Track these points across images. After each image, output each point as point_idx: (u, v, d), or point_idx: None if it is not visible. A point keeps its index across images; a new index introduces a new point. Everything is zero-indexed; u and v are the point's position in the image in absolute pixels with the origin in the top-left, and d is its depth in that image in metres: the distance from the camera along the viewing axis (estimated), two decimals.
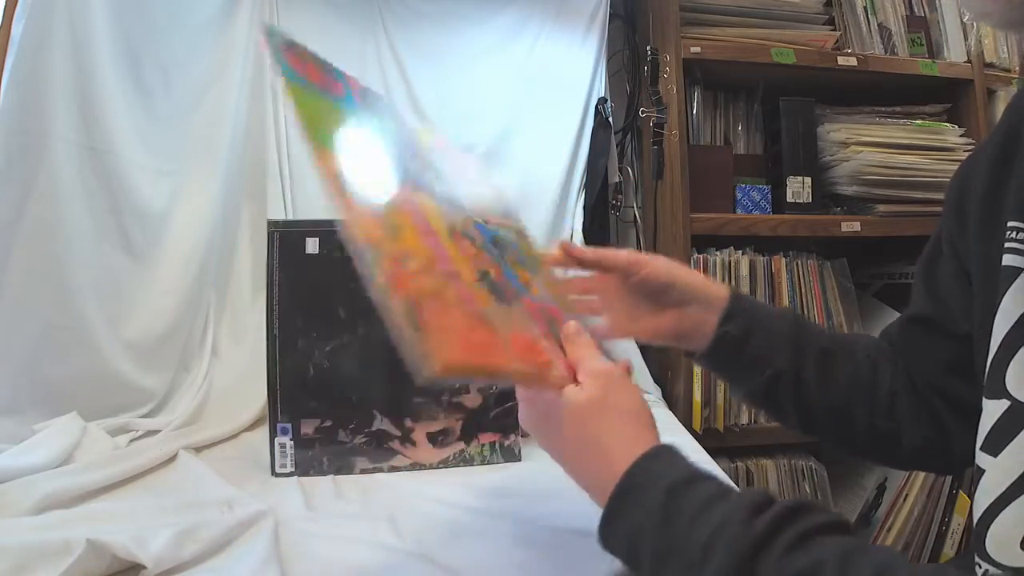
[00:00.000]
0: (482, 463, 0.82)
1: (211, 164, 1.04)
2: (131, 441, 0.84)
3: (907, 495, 1.21)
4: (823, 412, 0.57)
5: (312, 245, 0.80)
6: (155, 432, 0.87)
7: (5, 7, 0.81)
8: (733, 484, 0.40)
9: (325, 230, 0.81)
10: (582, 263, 0.60)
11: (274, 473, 0.77)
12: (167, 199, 0.99)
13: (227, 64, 1.06)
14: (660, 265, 0.58)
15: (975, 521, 0.43)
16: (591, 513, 0.68)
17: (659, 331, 0.59)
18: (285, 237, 0.80)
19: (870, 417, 0.56)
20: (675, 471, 0.41)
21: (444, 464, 0.81)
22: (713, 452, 0.88)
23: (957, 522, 1.22)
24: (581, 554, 0.59)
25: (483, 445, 0.82)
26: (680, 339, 0.59)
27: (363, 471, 0.78)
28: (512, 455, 0.83)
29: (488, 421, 0.82)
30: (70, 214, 0.83)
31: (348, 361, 0.79)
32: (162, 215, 0.98)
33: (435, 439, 0.81)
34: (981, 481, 0.43)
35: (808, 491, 1.17)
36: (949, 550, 1.21)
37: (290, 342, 0.78)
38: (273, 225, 0.81)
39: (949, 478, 1.23)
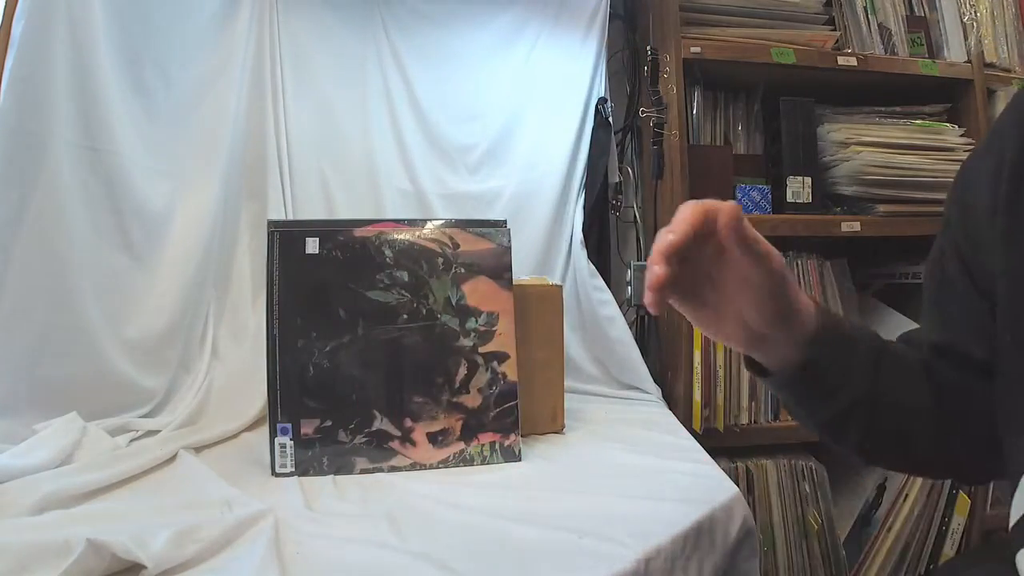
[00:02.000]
0: (482, 463, 0.82)
1: (211, 164, 1.04)
2: (131, 441, 0.84)
3: (907, 495, 1.20)
4: (887, 438, 0.53)
5: (312, 245, 0.80)
6: (155, 432, 0.87)
7: (5, 7, 0.80)
8: None
9: (325, 230, 0.82)
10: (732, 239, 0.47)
11: (274, 473, 0.77)
12: (167, 199, 0.99)
13: (227, 64, 1.06)
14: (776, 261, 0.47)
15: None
16: (591, 513, 0.68)
17: (736, 337, 0.51)
18: (285, 237, 0.80)
19: (935, 444, 0.52)
20: None
21: (444, 464, 0.81)
22: (713, 452, 0.88)
23: (957, 522, 1.22)
24: (581, 554, 0.59)
25: (483, 445, 0.82)
26: (754, 347, 0.51)
27: (363, 471, 0.78)
28: (512, 455, 0.83)
29: (488, 421, 0.82)
30: (70, 214, 0.83)
31: (348, 361, 0.79)
32: (162, 215, 0.98)
33: (435, 439, 0.81)
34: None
35: (808, 491, 1.17)
36: (949, 550, 1.21)
37: (290, 342, 0.78)
38: (273, 225, 0.81)
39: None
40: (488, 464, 0.82)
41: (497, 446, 0.82)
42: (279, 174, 1.12)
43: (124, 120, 0.91)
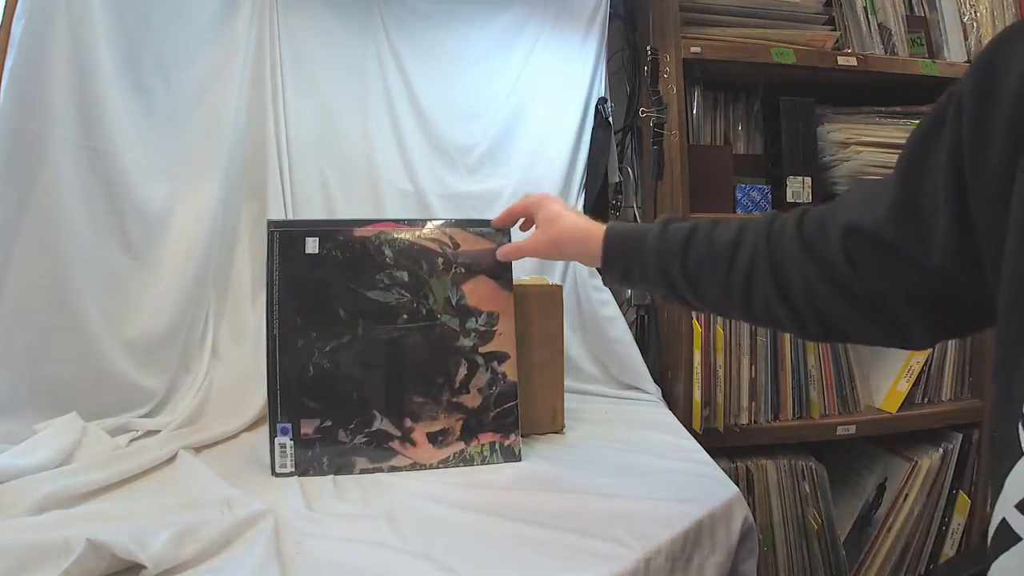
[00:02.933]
0: (482, 463, 0.82)
1: (211, 164, 1.04)
2: (131, 441, 0.84)
3: (907, 495, 1.20)
4: (712, 309, 0.68)
5: (312, 245, 0.80)
6: (155, 432, 0.87)
7: (5, 7, 0.80)
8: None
9: (325, 230, 0.82)
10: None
11: (274, 473, 0.77)
12: (167, 199, 0.99)
13: (227, 64, 1.06)
14: (552, 204, 0.78)
15: None
16: (591, 513, 0.68)
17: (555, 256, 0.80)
18: (285, 237, 0.80)
19: (759, 318, 0.59)
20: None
21: (444, 464, 0.81)
22: (713, 452, 0.88)
23: (957, 522, 1.22)
24: (581, 554, 0.59)
25: (483, 445, 0.82)
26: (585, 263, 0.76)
27: (363, 471, 0.78)
28: (512, 455, 0.83)
29: (488, 421, 0.82)
30: (70, 214, 0.83)
31: (348, 361, 0.79)
32: (162, 215, 0.98)
33: (435, 439, 0.81)
34: (1014, 548, 0.35)
35: (808, 491, 1.17)
36: (949, 550, 1.22)
37: (290, 342, 0.78)
38: (273, 225, 0.81)
39: (949, 478, 1.23)
40: (488, 464, 0.82)
41: (497, 446, 0.82)
42: (279, 174, 1.12)
43: (124, 120, 0.91)
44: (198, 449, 0.84)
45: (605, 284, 0.77)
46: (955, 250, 0.41)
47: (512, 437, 0.83)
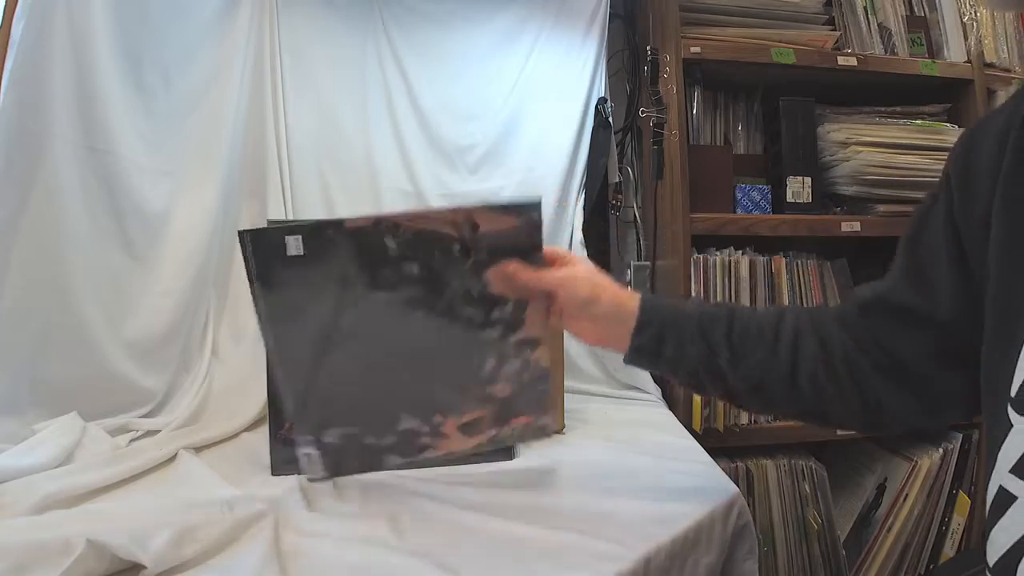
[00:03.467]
0: (518, 442, 0.81)
1: (211, 164, 1.04)
2: (131, 441, 0.84)
3: (907, 495, 1.20)
4: (745, 391, 0.61)
5: (295, 246, 0.71)
6: (155, 432, 0.87)
7: (5, 7, 0.80)
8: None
9: (308, 227, 0.77)
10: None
11: (310, 479, 0.74)
12: (167, 199, 0.99)
13: (227, 64, 1.06)
14: (582, 285, 0.64)
15: (998, 552, 0.40)
16: (591, 513, 0.68)
17: (596, 340, 0.67)
18: (260, 242, 0.75)
19: (791, 399, 0.59)
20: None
21: (478, 450, 0.75)
22: (713, 452, 0.88)
23: (957, 522, 1.22)
24: (581, 554, 0.59)
25: (515, 428, 0.76)
26: (612, 347, 0.65)
27: (397, 467, 0.75)
28: (545, 433, 0.80)
29: (520, 406, 0.75)
30: (70, 214, 0.84)
31: (359, 368, 0.74)
32: (162, 215, 0.98)
33: (466, 429, 0.76)
34: (1010, 509, 0.40)
35: (808, 491, 1.17)
36: (949, 550, 1.21)
37: (290, 355, 0.75)
38: (273, 225, 0.80)
39: (949, 478, 1.23)
40: (524, 442, 0.81)
41: (531, 427, 0.76)
42: (279, 174, 1.12)
43: (124, 120, 0.91)
44: (198, 449, 0.84)
45: (626, 361, 0.66)
46: (960, 297, 0.49)
47: (546, 418, 0.77)
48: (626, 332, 0.62)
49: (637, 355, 0.63)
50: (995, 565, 0.40)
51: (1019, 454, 0.39)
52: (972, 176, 0.48)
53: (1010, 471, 0.40)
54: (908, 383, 0.54)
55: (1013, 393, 0.40)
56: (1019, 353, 0.40)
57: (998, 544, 0.40)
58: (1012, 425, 0.40)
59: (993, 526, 0.41)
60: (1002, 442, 0.41)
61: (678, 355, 0.61)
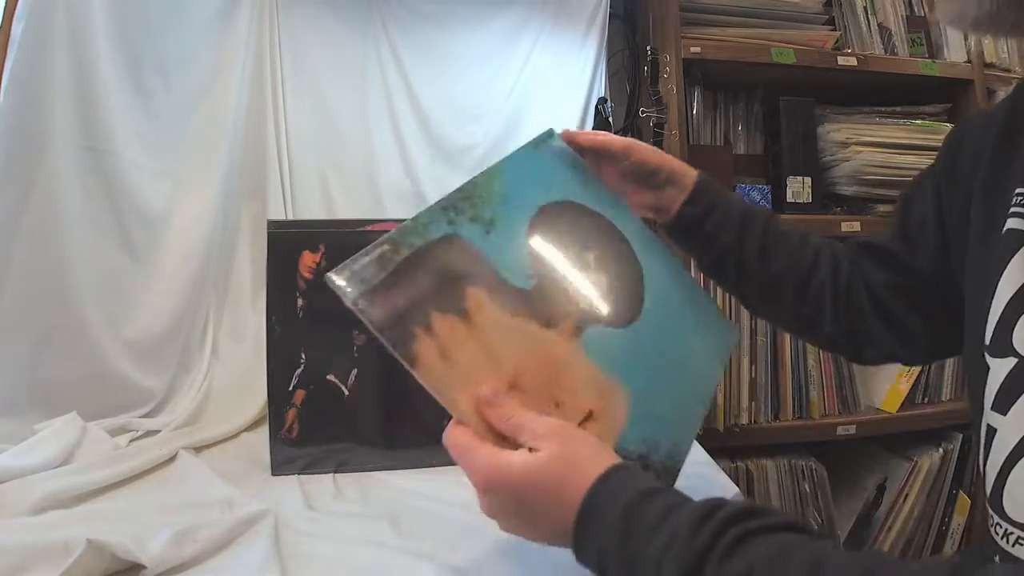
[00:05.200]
0: None
1: (211, 164, 1.04)
2: (131, 441, 0.84)
3: (907, 495, 1.21)
4: (758, 287, 0.65)
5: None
6: (155, 432, 0.87)
7: (5, 7, 0.81)
8: (687, 496, 0.39)
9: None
10: (583, 149, 0.64)
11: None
12: (167, 199, 0.99)
13: (227, 64, 1.06)
14: (649, 151, 0.65)
15: (990, 483, 0.44)
16: None
17: (641, 205, 0.67)
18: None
19: (796, 302, 0.64)
20: (630, 489, 0.39)
21: None
22: (713, 452, 0.88)
23: (957, 522, 1.22)
24: None
25: None
26: (657, 213, 0.67)
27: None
28: None
29: None
30: (70, 214, 0.83)
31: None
32: (162, 215, 0.98)
33: None
34: (994, 441, 0.44)
35: (808, 491, 1.17)
36: (949, 550, 1.22)
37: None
38: (273, 225, 0.80)
39: (949, 478, 1.23)
40: None
41: None
42: (279, 174, 1.12)
43: (124, 120, 0.91)
44: (198, 449, 0.84)
45: (667, 228, 0.68)
46: (936, 260, 0.56)
47: None
48: (679, 198, 0.64)
49: (678, 222, 0.65)
50: (991, 495, 0.45)
51: (995, 391, 0.45)
52: (959, 165, 0.54)
53: (991, 408, 0.45)
54: (884, 316, 0.61)
55: (987, 340, 0.46)
56: (991, 306, 0.46)
57: (990, 476, 0.45)
58: (989, 368, 0.45)
59: (986, 462, 0.46)
60: (984, 386, 0.46)
61: (714, 234, 0.64)
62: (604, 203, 0.60)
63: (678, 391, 0.59)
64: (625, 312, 0.56)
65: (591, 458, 0.41)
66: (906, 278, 0.59)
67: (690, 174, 0.65)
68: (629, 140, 0.65)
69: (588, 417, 0.49)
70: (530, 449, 0.41)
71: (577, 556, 0.40)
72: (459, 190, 0.50)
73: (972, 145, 0.53)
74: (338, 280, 0.41)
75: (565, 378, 0.49)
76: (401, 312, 0.42)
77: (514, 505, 0.41)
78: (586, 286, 0.54)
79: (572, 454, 0.41)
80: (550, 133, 0.63)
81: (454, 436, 0.43)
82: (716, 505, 0.36)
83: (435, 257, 0.46)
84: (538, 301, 0.50)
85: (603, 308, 0.54)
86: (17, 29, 0.77)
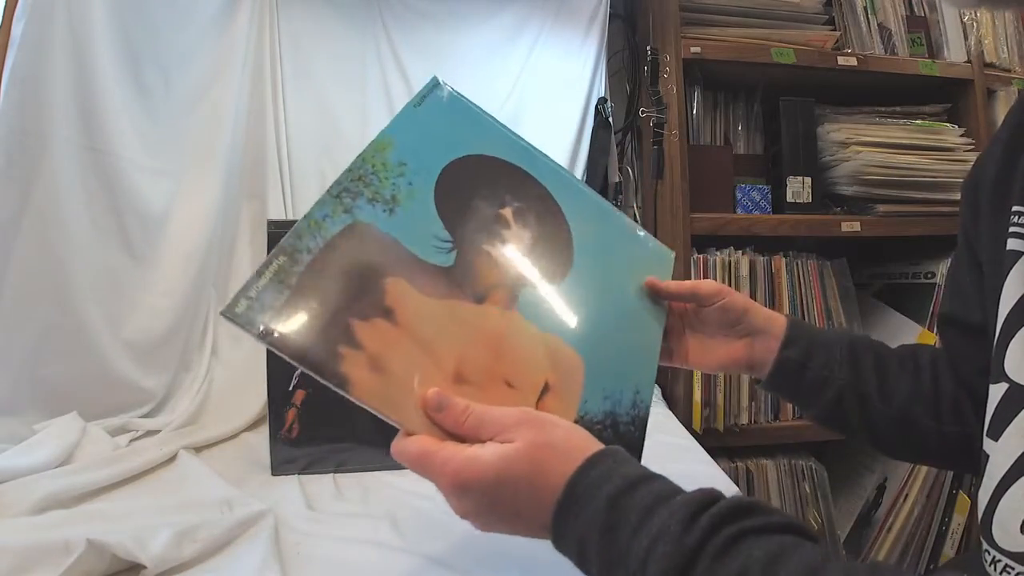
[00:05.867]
0: None
1: (211, 164, 1.04)
2: (131, 441, 0.84)
3: (907, 495, 1.20)
4: (888, 424, 0.57)
5: None
6: (155, 432, 0.87)
7: (5, 7, 0.81)
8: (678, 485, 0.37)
9: None
10: (675, 299, 0.59)
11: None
12: (167, 199, 0.99)
13: (227, 64, 1.06)
14: (737, 296, 0.59)
15: (981, 511, 0.44)
16: None
17: (732, 360, 0.60)
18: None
19: (937, 424, 0.55)
20: (616, 477, 0.37)
21: None
22: (713, 452, 0.88)
23: (957, 522, 1.22)
24: None
25: None
26: (751, 368, 0.60)
27: None
28: None
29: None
30: (70, 214, 0.83)
31: None
32: (162, 215, 0.98)
33: None
34: (987, 467, 0.43)
35: (808, 491, 1.17)
36: (949, 550, 1.21)
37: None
38: (273, 225, 0.80)
39: (949, 478, 1.23)
40: None
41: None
42: (279, 174, 1.12)
43: (124, 120, 0.91)
44: (198, 449, 0.84)
45: (764, 383, 0.61)
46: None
47: None
48: (772, 345, 0.58)
49: (779, 371, 0.58)
50: (981, 523, 0.44)
51: (990, 417, 0.44)
52: (979, 190, 0.52)
53: (986, 435, 0.44)
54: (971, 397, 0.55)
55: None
56: (994, 330, 0.45)
57: (982, 503, 0.44)
58: (988, 393, 0.45)
59: (979, 489, 0.45)
60: (984, 411, 0.45)
61: (824, 375, 0.57)
62: (513, 149, 0.54)
63: (627, 335, 0.54)
64: (556, 267, 0.51)
65: (568, 442, 0.39)
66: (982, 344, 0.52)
67: (780, 319, 0.59)
68: (719, 284, 0.59)
69: (546, 389, 0.46)
70: (501, 442, 0.39)
71: (556, 547, 0.39)
72: (348, 171, 0.44)
73: (987, 172, 0.52)
74: (238, 312, 0.36)
75: (510, 353, 0.45)
76: (317, 333, 0.37)
77: (490, 501, 0.39)
78: (510, 248, 0.49)
79: (548, 440, 0.38)
80: (435, 82, 0.56)
81: (405, 446, 0.39)
82: (709, 499, 0.34)
83: (340, 255, 0.40)
84: (464, 276, 0.45)
85: (533, 268, 0.49)
86: (17, 29, 0.77)
